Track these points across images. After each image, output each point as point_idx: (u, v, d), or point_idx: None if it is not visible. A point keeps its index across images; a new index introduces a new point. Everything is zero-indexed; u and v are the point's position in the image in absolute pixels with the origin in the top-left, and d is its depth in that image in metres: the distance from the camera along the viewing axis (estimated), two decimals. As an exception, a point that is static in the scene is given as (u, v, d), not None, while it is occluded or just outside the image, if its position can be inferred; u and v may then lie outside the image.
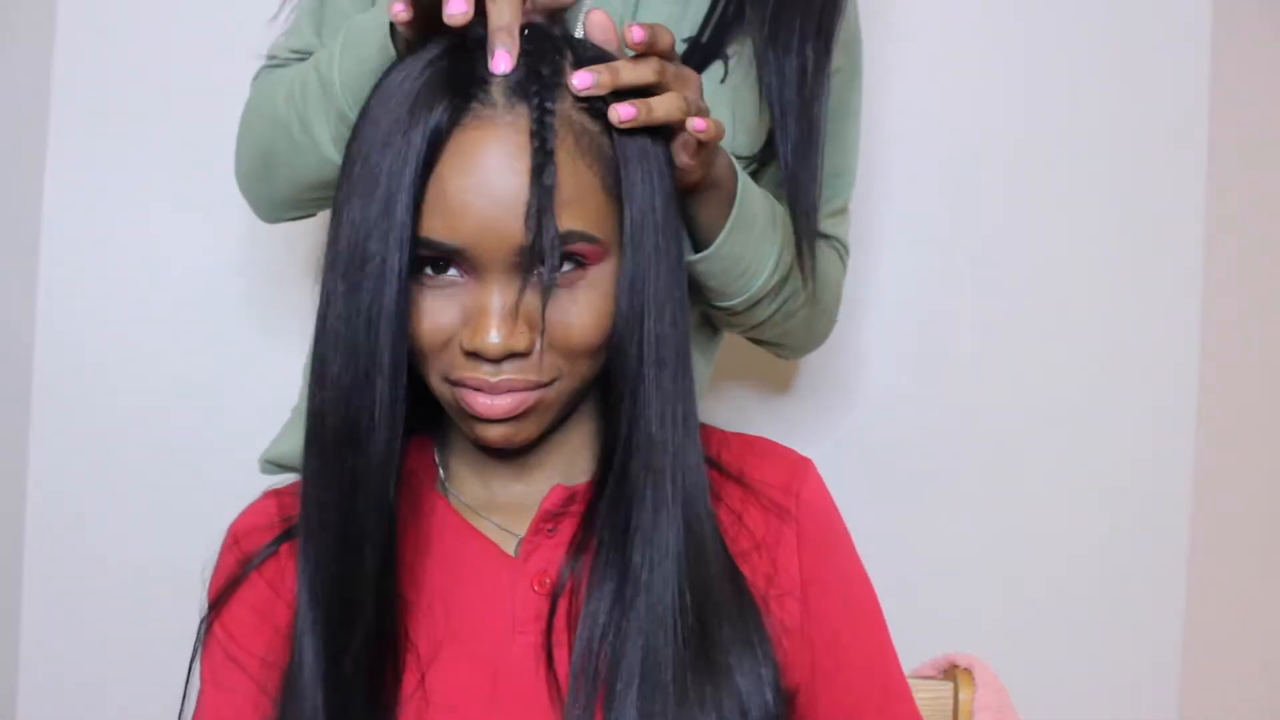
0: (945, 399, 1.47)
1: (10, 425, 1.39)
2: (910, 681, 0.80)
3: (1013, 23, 1.46)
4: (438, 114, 0.65)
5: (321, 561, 0.69)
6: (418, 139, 0.64)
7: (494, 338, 0.65)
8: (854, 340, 1.46)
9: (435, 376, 0.70)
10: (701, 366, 1.02)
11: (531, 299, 0.67)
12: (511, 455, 0.76)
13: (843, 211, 1.06)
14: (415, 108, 0.65)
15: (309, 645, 0.69)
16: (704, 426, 0.77)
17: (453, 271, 0.67)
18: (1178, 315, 1.49)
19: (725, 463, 0.77)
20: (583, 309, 0.68)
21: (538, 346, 0.67)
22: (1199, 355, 1.48)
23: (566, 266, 0.67)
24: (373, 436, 0.67)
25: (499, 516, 0.76)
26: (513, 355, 0.67)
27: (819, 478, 0.79)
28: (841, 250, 1.05)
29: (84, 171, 1.40)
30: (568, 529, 0.74)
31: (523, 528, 0.75)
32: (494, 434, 0.69)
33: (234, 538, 0.77)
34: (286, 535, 0.75)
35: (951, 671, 0.91)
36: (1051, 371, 1.48)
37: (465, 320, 0.67)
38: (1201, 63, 1.47)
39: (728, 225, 0.81)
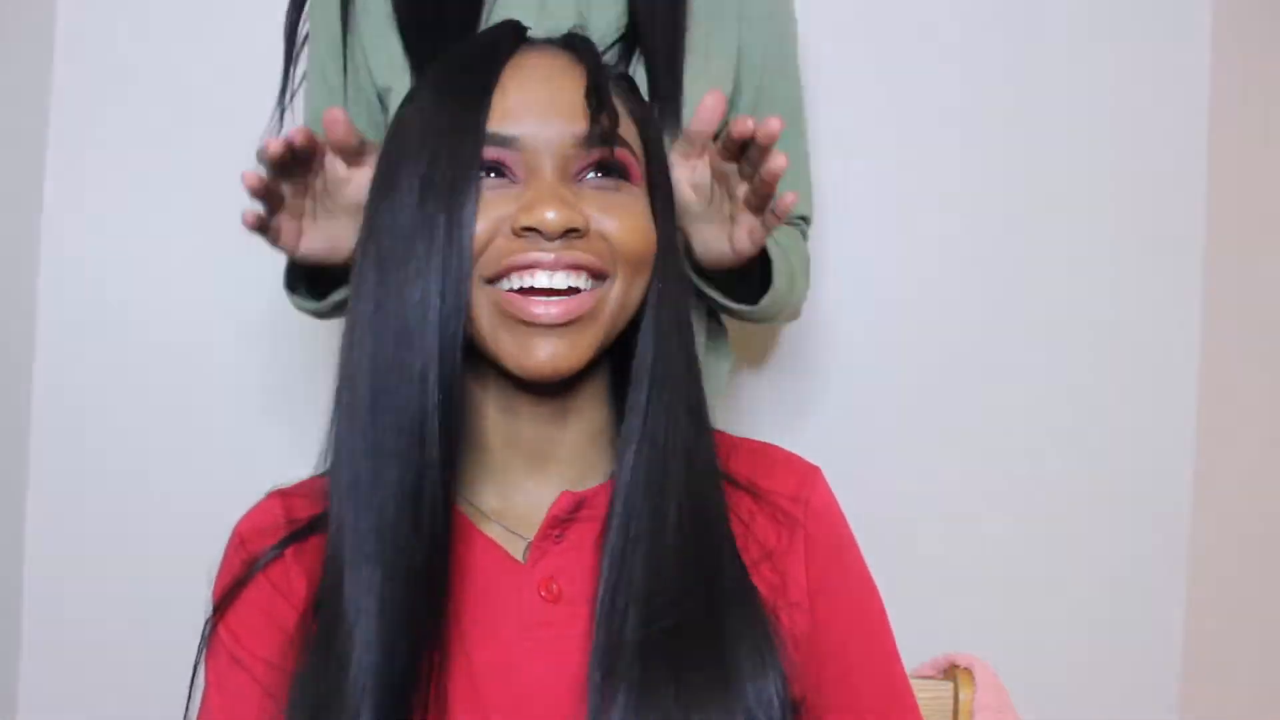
0: (945, 399, 1.47)
1: (11, 426, 1.39)
2: (910, 681, 0.80)
3: (1013, 22, 1.46)
4: (502, 47, 0.72)
5: (379, 524, 0.67)
6: (480, 64, 0.71)
7: (550, 213, 0.67)
8: (853, 339, 1.46)
9: (476, 287, 0.69)
10: (712, 364, 1.03)
11: (581, 195, 0.69)
12: (523, 450, 0.75)
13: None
14: (477, 49, 0.72)
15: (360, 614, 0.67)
16: (716, 433, 0.77)
17: (505, 178, 0.70)
18: (1178, 315, 1.49)
19: (734, 471, 0.77)
20: (629, 215, 0.71)
21: (594, 235, 0.69)
22: (1199, 355, 1.48)
23: (613, 177, 0.71)
24: (425, 338, 0.67)
25: (508, 522, 0.75)
26: (570, 233, 0.68)
27: (827, 486, 0.79)
28: (803, 227, 1.08)
29: (83, 171, 1.40)
30: (575, 534, 0.74)
31: (531, 533, 0.74)
32: (544, 352, 0.68)
33: (239, 539, 0.76)
34: (292, 538, 0.74)
35: (951, 671, 0.91)
36: (1052, 372, 1.48)
37: (519, 209, 0.68)
38: (1201, 63, 1.47)
39: (772, 290, 0.93)
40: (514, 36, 0.73)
